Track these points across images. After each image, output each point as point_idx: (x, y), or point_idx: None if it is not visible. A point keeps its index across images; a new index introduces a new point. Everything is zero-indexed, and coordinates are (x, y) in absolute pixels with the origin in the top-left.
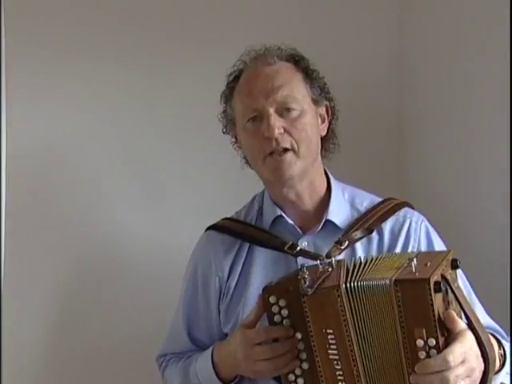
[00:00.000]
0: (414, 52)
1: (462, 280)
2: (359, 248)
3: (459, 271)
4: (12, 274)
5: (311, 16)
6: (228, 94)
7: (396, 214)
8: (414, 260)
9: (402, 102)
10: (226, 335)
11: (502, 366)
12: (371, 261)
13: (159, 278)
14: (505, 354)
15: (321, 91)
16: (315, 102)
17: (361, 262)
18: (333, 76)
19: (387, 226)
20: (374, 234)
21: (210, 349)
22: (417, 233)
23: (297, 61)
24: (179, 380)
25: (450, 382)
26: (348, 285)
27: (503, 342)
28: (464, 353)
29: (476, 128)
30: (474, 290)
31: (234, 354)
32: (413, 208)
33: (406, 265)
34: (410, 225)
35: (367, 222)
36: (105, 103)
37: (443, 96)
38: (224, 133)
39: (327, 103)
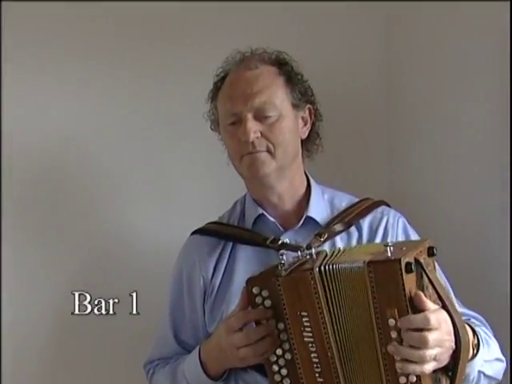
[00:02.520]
0: (402, 54)
1: (442, 277)
2: (339, 243)
3: (441, 273)
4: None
5: (301, 21)
6: (214, 94)
7: (374, 211)
8: (391, 247)
9: (390, 104)
10: None
11: (475, 355)
12: (350, 248)
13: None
14: (478, 344)
15: (302, 96)
16: (295, 106)
17: (339, 250)
18: (322, 80)
19: (365, 223)
20: (354, 230)
21: (198, 347)
22: (394, 228)
23: (281, 65)
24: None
25: (429, 344)
26: (322, 268)
27: (477, 329)
28: (438, 321)
29: (466, 130)
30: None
31: (219, 345)
32: (389, 206)
33: (382, 250)
34: (387, 221)
35: (346, 218)
36: (109, 102)
37: (432, 97)
38: (212, 130)
39: (310, 106)
